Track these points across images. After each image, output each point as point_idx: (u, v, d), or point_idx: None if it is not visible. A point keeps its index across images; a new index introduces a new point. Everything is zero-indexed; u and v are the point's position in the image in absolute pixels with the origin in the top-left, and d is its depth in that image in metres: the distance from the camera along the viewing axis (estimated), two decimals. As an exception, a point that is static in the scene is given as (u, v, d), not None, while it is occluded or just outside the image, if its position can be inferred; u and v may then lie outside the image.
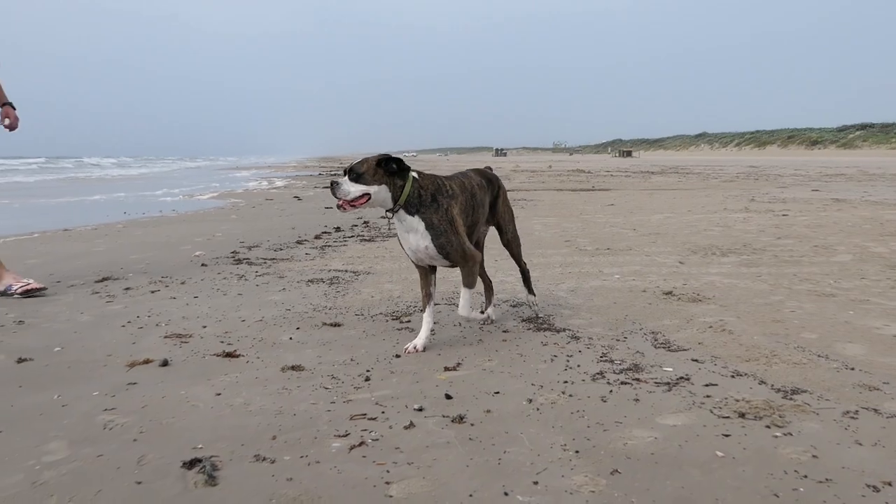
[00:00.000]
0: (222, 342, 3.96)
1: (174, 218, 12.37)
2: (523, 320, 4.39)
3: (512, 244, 4.39)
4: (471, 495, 2.20)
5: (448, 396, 3.05)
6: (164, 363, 3.58)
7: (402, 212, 3.62)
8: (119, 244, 8.50)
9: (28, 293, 5.33)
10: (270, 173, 37.95)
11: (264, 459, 2.47)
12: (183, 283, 5.84)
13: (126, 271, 6.38)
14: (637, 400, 2.98)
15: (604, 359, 3.56)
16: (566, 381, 3.23)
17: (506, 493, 2.21)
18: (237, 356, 3.70)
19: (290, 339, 4.05)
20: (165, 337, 4.10)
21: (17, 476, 2.39)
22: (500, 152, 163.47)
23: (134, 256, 7.36)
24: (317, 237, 8.72)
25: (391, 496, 2.21)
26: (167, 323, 4.44)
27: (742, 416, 2.77)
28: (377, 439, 2.63)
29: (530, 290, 4.49)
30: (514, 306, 4.78)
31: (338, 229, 9.43)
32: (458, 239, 3.66)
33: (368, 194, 3.55)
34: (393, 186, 3.59)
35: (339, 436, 2.66)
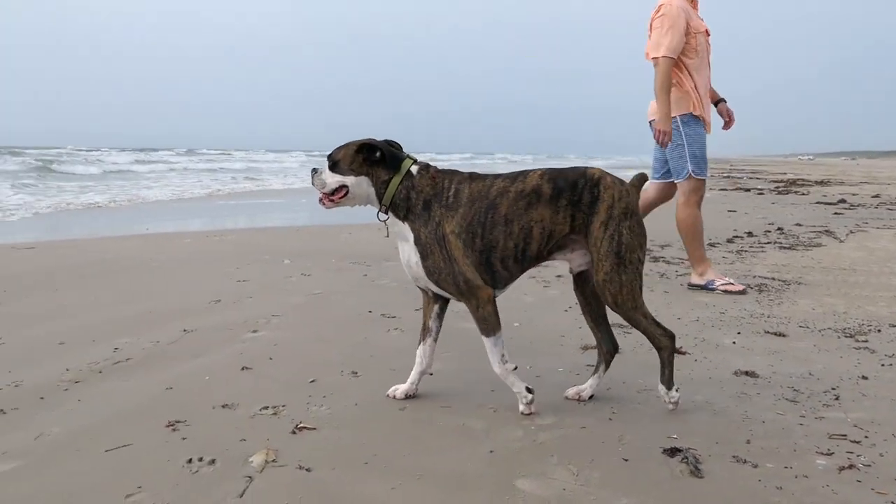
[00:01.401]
0: (663, 337, 4.03)
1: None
2: None
3: (605, 289, 2.81)
4: None
5: (945, 433, 2.70)
6: (614, 350, 3.77)
7: (391, 215, 2.93)
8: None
9: (727, 292, 5.28)
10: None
11: (745, 462, 2.45)
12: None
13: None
14: None
15: None
16: None
17: None
18: (683, 353, 3.73)
19: (734, 343, 3.96)
20: (607, 325, 4.31)
21: (518, 432, 2.73)
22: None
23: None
24: (729, 241, 8.39)
25: (906, 531, 2.03)
26: (604, 312, 4.67)
27: None
28: (869, 465, 2.43)
29: (665, 379, 2.95)
30: None
31: (750, 234, 8.95)
32: (451, 266, 2.80)
33: (346, 186, 2.93)
34: (375, 180, 2.91)
35: (822, 453, 2.52)
